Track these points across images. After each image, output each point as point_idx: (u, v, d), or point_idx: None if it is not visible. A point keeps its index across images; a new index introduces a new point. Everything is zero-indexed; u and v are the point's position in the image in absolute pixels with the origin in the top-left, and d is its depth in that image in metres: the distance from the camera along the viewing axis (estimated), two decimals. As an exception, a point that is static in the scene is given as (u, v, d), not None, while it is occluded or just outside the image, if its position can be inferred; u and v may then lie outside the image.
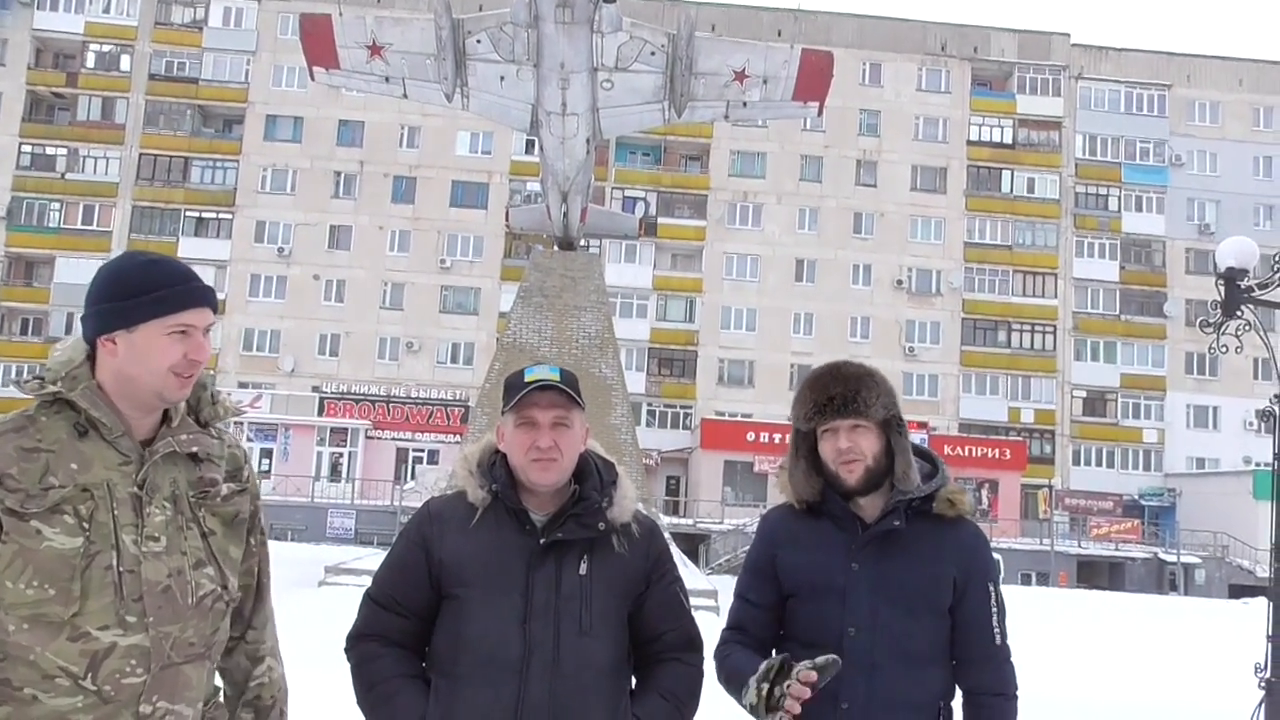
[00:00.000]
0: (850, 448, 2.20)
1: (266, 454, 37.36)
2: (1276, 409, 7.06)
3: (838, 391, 2.21)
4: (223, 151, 44.26)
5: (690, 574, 17.96)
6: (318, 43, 18.10)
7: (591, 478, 2.17)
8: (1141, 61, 46.59)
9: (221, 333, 42.63)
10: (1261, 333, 7.39)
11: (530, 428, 2.12)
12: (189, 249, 41.81)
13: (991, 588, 2.24)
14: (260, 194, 43.78)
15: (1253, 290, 7.55)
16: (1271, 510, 6.96)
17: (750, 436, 38.18)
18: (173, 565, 1.72)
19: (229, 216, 43.69)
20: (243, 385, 40.47)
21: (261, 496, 2.00)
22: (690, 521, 35.44)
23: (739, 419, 41.32)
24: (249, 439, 36.54)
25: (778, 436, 36.88)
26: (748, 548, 2.48)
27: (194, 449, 1.80)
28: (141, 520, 1.70)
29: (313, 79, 19.02)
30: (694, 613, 2.27)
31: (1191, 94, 46.22)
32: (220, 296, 42.64)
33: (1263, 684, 6.71)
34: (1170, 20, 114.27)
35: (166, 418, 1.79)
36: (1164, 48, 49.98)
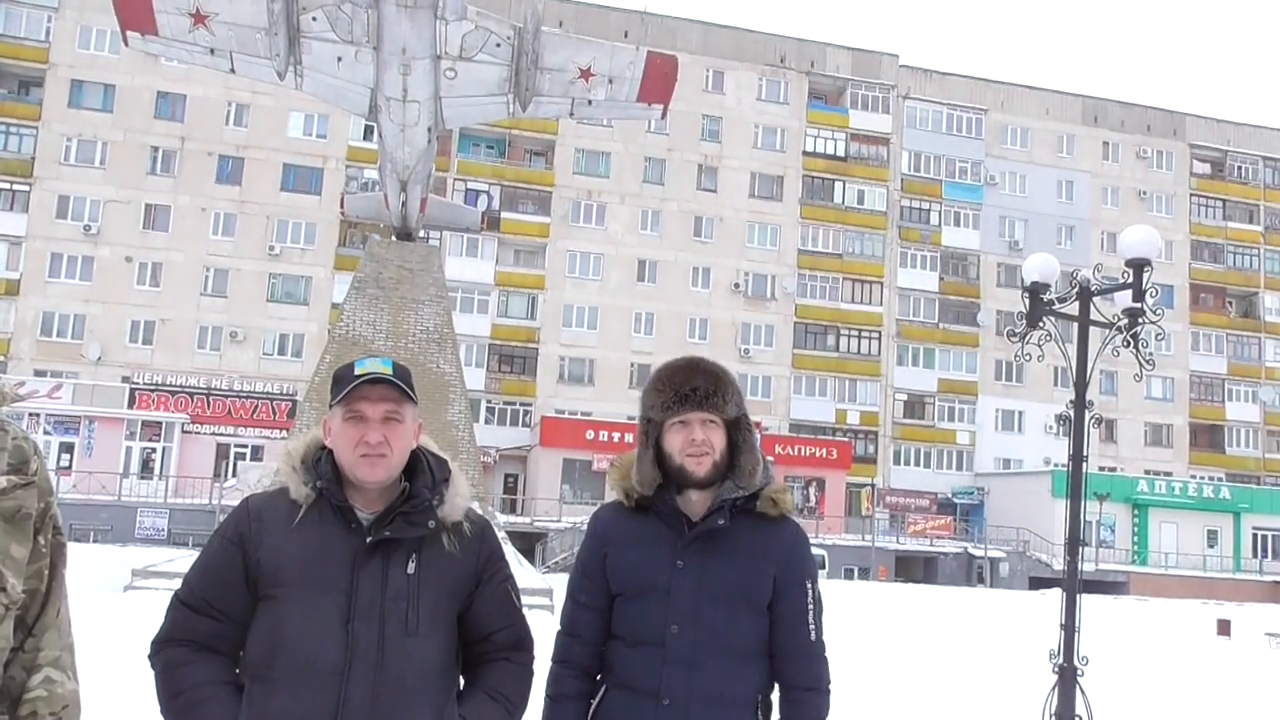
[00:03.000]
0: (704, 440, 2.23)
1: (67, 448, 34.69)
2: (1073, 414, 7.62)
3: (699, 384, 2.25)
4: (18, 116, 40.46)
5: (526, 573, 17.87)
6: (132, 5, 16.81)
7: (423, 475, 2.10)
8: (962, 86, 49.78)
9: (15, 315, 39.18)
10: (1061, 343, 7.95)
11: (359, 422, 2.04)
12: (-25, 221, 38.35)
13: (809, 585, 2.29)
14: (64, 166, 40.38)
15: (1054, 304, 8.13)
16: (1066, 508, 7.50)
17: (589, 435, 38.38)
18: None
19: (25, 188, 40.05)
20: (40, 373, 37.31)
21: (58, 494, 1.81)
22: (528, 519, 35.28)
23: (578, 417, 41.43)
24: (46, 431, 33.83)
25: (617, 435, 37.19)
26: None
27: None
28: None
29: (126, 44, 17.65)
30: (529, 611, 2.25)
31: (1005, 119, 49.77)
32: (14, 275, 39.23)
33: (1056, 669, 7.23)
34: (989, 46, 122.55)
35: None
36: (982, 74, 53.35)
